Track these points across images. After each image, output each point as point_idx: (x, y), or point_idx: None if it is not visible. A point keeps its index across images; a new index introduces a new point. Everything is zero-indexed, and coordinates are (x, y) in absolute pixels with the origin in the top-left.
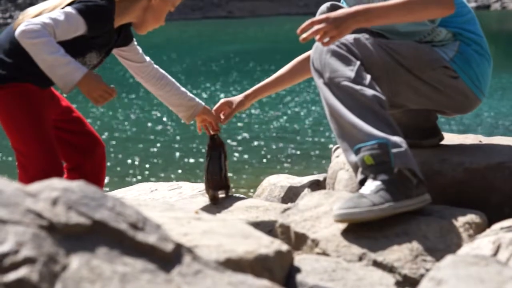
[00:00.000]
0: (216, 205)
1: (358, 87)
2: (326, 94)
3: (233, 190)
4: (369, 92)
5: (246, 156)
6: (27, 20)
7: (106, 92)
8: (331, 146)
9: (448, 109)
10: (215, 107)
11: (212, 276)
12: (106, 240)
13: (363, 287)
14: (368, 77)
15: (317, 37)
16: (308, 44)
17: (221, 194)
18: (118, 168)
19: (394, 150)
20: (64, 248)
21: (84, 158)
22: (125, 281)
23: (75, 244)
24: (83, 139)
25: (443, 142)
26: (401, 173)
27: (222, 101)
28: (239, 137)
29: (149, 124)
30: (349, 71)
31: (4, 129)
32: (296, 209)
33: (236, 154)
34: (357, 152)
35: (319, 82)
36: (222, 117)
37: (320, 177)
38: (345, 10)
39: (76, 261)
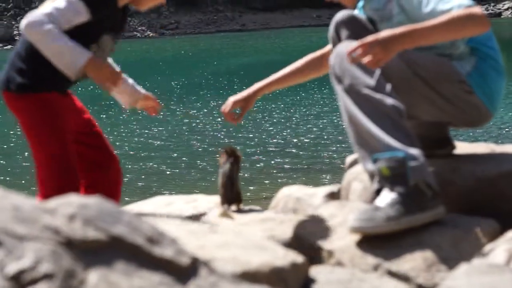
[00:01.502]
0: (228, 219)
1: (378, 95)
2: (345, 100)
3: (249, 201)
4: (389, 101)
5: (260, 168)
6: (29, 13)
7: (113, 75)
8: (345, 157)
9: (460, 123)
10: (225, 109)
11: None
12: (123, 255)
13: None
14: (389, 86)
15: (366, 59)
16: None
17: (233, 208)
18: (134, 182)
19: (412, 163)
20: (82, 263)
21: (100, 174)
22: None
23: (92, 259)
24: (100, 154)
25: (454, 151)
26: (417, 186)
27: (230, 101)
28: (253, 149)
29: (163, 137)
30: (370, 79)
31: (27, 138)
32: (311, 220)
33: (251, 166)
34: (374, 161)
35: (338, 88)
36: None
37: (334, 188)
38: (391, 32)
39: (94, 276)
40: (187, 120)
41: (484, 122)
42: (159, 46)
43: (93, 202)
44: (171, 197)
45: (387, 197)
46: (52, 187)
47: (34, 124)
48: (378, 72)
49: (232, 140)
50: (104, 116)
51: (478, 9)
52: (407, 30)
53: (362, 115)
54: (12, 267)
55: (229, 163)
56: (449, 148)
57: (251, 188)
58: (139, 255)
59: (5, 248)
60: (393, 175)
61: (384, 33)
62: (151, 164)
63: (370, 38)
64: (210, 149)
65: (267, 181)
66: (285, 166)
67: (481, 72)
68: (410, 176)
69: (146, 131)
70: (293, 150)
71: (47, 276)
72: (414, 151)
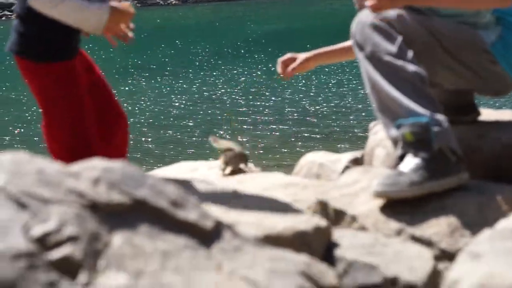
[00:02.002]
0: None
1: (400, 62)
2: (367, 68)
3: (273, 167)
4: (411, 67)
5: (284, 134)
6: None
7: (126, 13)
8: (365, 125)
9: (483, 91)
10: (281, 59)
11: (252, 251)
12: (147, 218)
13: (402, 262)
14: (410, 52)
15: (369, 2)
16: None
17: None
18: (157, 148)
19: (435, 128)
20: (106, 226)
21: (109, 133)
22: (166, 258)
23: (117, 222)
24: (108, 112)
25: (479, 118)
26: (441, 151)
27: (288, 55)
28: (277, 115)
29: (182, 105)
30: (391, 46)
31: (42, 106)
32: (334, 186)
33: (275, 132)
34: (398, 127)
35: (360, 55)
36: (289, 69)
37: (357, 154)
38: None
39: (118, 239)
40: (206, 88)
41: (508, 91)
42: (181, 13)
43: (118, 166)
44: (195, 163)
45: (411, 162)
46: (71, 152)
47: (53, 93)
48: (399, 39)
49: (252, 109)
50: (123, 84)
51: None
52: None
53: (384, 81)
54: (37, 230)
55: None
56: (474, 115)
57: (272, 156)
58: (163, 218)
59: (30, 211)
60: (417, 141)
61: None
62: (170, 132)
63: None
64: (230, 117)
65: (288, 149)
66: (305, 134)
67: (506, 42)
68: (433, 141)
69: (164, 99)
70: (313, 119)
71: (72, 239)
72: (438, 116)
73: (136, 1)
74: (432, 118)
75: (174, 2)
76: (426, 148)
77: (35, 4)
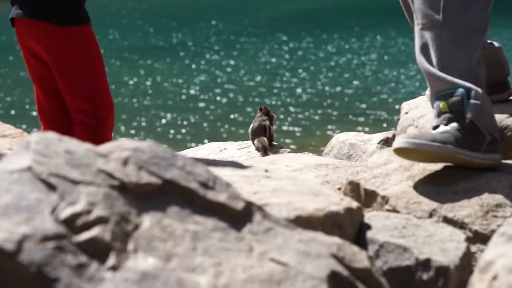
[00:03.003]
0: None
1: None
2: (416, 38)
3: (304, 147)
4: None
5: (315, 115)
6: None
7: None
8: (392, 104)
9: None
10: None
11: (283, 233)
12: (177, 199)
13: (434, 244)
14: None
15: None
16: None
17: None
18: (186, 129)
19: (471, 101)
20: (136, 208)
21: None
22: (197, 240)
23: (146, 204)
24: None
25: None
26: (473, 124)
27: None
28: (307, 96)
29: (218, 85)
30: (438, 17)
31: (71, 71)
32: (365, 166)
33: (305, 113)
34: (438, 98)
35: (413, 25)
36: None
37: (389, 134)
38: None
39: (147, 220)
40: (229, 70)
41: None
42: None
43: (147, 146)
44: (224, 143)
45: (441, 128)
46: (109, 106)
47: (86, 54)
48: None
49: (272, 91)
50: (143, 65)
51: None
52: None
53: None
54: (66, 212)
55: (262, 119)
56: (508, 93)
57: (306, 134)
58: (193, 200)
59: (59, 192)
60: (451, 111)
61: None
62: (204, 110)
63: None
64: (260, 96)
65: (321, 127)
66: (340, 112)
67: None
68: (466, 113)
69: (182, 80)
70: (348, 97)
71: (101, 220)
72: (477, 90)
73: None
74: (469, 90)
75: None
76: (458, 119)
77: None
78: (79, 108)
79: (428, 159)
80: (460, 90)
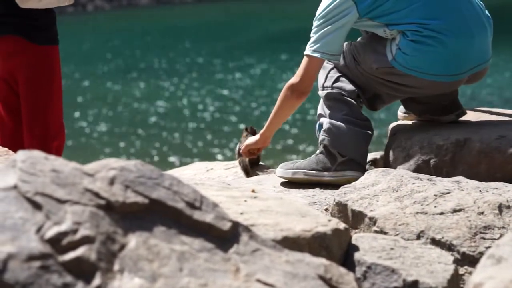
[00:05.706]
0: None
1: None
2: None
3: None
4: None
5: (302, 134)
6: None
7: None
8: (383, 126)
9: (430, 94)
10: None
11: (270, 254)
12: (164, 219)
13: (422, 266)
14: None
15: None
16: None
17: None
18: (174, 148)
19: (324, 130)
20: (122, 227)
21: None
22: (183, 260)
23: (132, 223)
24: None
25: (500, 119)
26: (326, 149)
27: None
28: (295, 116)
29: (202, 104)
30: (324, 80)
31: (37, 88)
32: (353, 187)
33: (293, 131)
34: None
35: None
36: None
37: (377, 155)
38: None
39: (134, 240)
40: (220, 89)
41: (452, 88)
42: (195, 12)
43: (133, 165)
44: (211, 163)
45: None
46: (59, 125)
47: (58, 73)
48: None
49: (267, 110)
50: (142, 83)
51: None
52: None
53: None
54: (52, 231)
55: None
56: (456, 114)
57: (293, 155)
58: (179, 220)
59: (44, 212)
60: (319, 140)
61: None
62: (191, 129)
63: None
64: (250, 116)
65: (308, 149)
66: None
67: (404, 52)
68: (320, 142)
69: (177, 99)
70: None
71: (87, 240)
72: (333, 121)
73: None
74: (324, 122)
75: (189, 0)
76: (320, 146)
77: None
78: (32, 128)
79: (289, 180)
80: (320, 123)
